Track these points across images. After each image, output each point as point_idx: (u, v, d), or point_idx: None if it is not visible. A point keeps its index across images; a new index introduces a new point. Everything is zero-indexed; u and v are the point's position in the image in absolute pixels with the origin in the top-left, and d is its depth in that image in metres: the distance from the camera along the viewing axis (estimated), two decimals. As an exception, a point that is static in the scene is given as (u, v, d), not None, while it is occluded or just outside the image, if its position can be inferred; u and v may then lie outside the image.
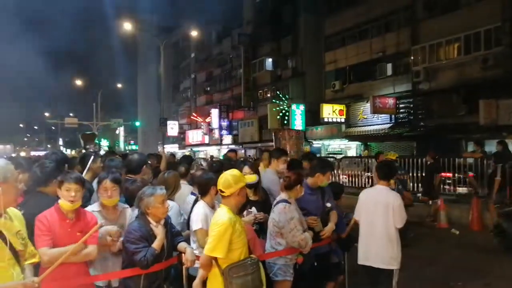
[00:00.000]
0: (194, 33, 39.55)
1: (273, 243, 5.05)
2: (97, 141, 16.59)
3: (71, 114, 69.74)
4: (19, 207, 3.76)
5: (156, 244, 4.28)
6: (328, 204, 5.72)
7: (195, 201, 5.24)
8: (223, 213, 3.99)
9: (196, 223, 4.75)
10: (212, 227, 3.97)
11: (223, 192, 4.03)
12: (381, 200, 5.40)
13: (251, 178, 4.27)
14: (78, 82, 58.33)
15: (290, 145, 9.78)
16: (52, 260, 3.75)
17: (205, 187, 4.93)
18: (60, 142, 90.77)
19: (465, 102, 23.54)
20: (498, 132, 19.85)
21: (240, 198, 4.08)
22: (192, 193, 5.75)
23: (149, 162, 7.73)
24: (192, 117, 49.19)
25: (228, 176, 4.05)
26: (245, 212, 5.29)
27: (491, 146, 17.19)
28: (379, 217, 5.38)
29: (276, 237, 5.04)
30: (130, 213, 4.83)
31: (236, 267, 3.86)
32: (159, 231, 4.35)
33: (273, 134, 10.36)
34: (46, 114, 78.80)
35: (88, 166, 5.87)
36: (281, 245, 5.01)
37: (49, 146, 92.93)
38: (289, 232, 4.87)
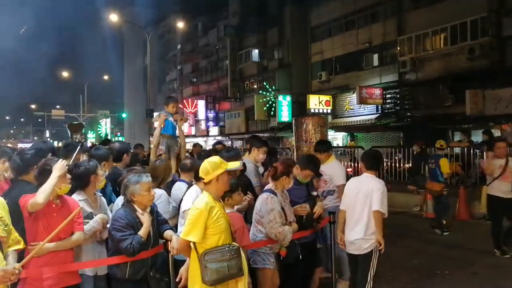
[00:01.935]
0: (180, 25, 39.33)
1: (255, 230, 5.07)
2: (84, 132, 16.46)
3: (57, 106, 69.13)
4: (3, 196, 3.74)
5: (142, 232, 4.25)
6: (314, 193, 5.75)
7: (189, 188, 5.23)
8: (201, 199, 4.01)
9: (186, 205, 4.75)
10: (190, 212, 4.01)
11: (203, 179, 4.08)
12: (363, 188, 5.38)
13: (234, 164, 4.20)
14: (65, 74, 57.81)
15: (312, 133, 9.41)
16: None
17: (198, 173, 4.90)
18: (47, 134, 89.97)
19: (451, 93, 23.68)
20: (484, 122, 19.99)
21: (221, 184, 4.06)
22: (180, 180, 5.70)
23: (131, 150, 7.65)
24: (180, 106, 48.97)
25: (206, 163, 4.07)
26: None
27: (478, 136, 17.31)
28: (359, 205, 5.37)
29: (258, 224, 5.05)
30: (104, 200, 4.86)
31: (212, 253, 3.84)
32: (145, 218, 4.33)
33: (293, 121, 10.12)
34: (33, 106, 78.14)
35: (73, 157, 5.73)
36: (262, 233, 5.02)
37: (36, 138, 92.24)
38: (268, 223, 4.87)
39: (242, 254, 4.06)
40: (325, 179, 6.60)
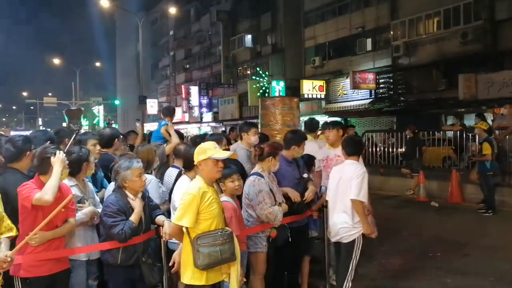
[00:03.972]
0: (172, 10, 39.10)
1: (245, 215, 5.05)
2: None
3: (49, 94, 68.87)
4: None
5: (133, 218, 4.23)
6: (305, 175, 5.73)
7: (178, 175, 5.21)
8: (195, 184, 4.00)
9: (178, 200, 4.70)
10: (182, 197, 3.99)
11: (192, 167, 4.15)
12: (344, 175, 5.20)
13: (221, 153, 4.09)
14: (56, 61, 57.49)
15: (282, 115, 8.19)
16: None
17: (189, 161, 4.84)
18: (40, 122, 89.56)
19: (444, 77, 23.70)
20: (477, 106, 20.02)
21: (205, 170, 4.00)
22: (174, 166, 5.69)
23: (121, 136, 7.55)
24: (176, 93, 48.79)
25: (197, 147, 4.09)
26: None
27: (470, 120, 17.35)
28: (340, 193, 5.19)
29: (248, 209, 5.05)
30: (91, 186, 4.86)
31: (204, 237, 3.85)
32: (136, 204, 4.31)
33: (260, 101, 8.79)
34: (24, 93, 77.82)
35: (69, 144, 5.66)
36: (252, 217, 5.01)
37: (28, 126, 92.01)
38: (257, 205, 4.89)
39: (235, 239, 4.06)
40: None
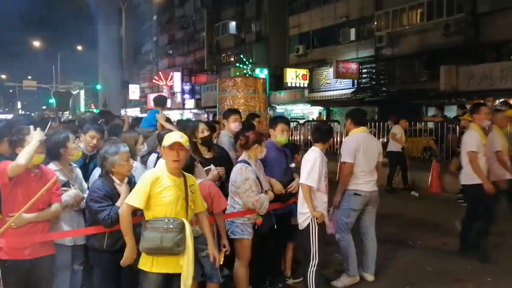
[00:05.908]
0: (156, -5, 38.79)
1: (231, 201, 5.10)
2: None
3: (29, 77, 67.90)
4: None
5: (120, 203, 4.21)
6: (292, 165, 5.78)
7: (158, 158, 5.23)
8: (155, 168, 4.13)
9: None
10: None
11: None
12: (303, 162, 5.30)
13: (166, 141, 4.02)
14: (37, 44, 56.63)
15: (244, 98, 7.09)
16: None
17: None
18: (19, 105, 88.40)
19: (426, 68, 23.91)
20: (457, 97, 20.26)
21: (165, 158, 4.02)
22: (156, 152, 5.71)
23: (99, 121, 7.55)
24: (154, 81, 48.50)
25: None
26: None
27: (451, 111, 17.58)
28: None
29: (234, 196, 5.09)
30: (79, 172, 4.84)
31: (151, 221, 3.89)
32: (123, 190, 4.31)
33: (217, 82, 7.53)
34: (3, 76, 76.65)
35: (46, 130, 5.60)
36: (239, 204, 5.06)
37: (6, 109, 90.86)
38: (244, 192, 4.93)
39: (187, 232, 3.96)
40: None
